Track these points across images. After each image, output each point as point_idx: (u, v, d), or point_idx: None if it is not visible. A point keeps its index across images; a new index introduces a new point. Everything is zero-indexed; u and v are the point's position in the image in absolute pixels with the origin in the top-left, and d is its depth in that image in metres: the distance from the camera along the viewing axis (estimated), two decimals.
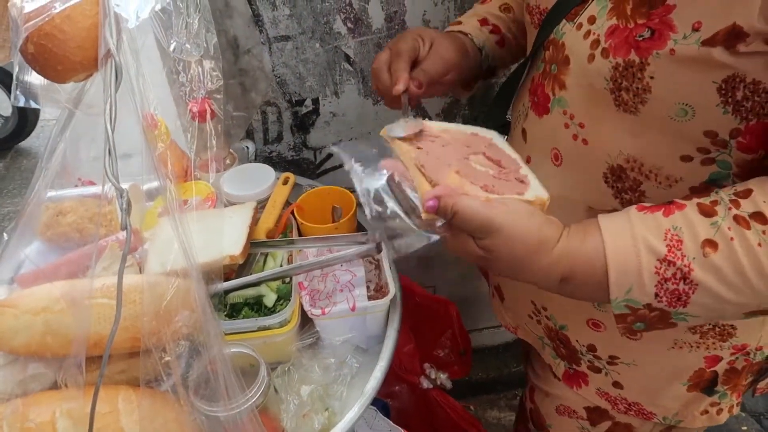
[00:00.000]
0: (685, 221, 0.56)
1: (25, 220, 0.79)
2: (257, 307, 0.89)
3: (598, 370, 0.84)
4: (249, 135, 1.28)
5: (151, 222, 1.01)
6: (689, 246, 0.55)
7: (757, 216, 0.54)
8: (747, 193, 0.55)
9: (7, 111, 2.96)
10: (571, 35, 0.67)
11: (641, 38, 0.57)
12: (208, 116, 0.71)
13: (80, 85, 0.57)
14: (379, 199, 0.64)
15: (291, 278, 0.90)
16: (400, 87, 0.79)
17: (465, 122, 0.92)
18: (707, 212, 0.56)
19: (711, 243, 0.55)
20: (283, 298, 0.90)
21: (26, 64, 0.52)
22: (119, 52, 0.53)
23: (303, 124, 1.28)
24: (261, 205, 1.02)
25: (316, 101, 1.25)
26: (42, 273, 0.92)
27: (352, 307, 0.84)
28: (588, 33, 0.64)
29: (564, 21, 0.69)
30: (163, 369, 0.68)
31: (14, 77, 0.50)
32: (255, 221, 0.97)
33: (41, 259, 0.99)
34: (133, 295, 0.76)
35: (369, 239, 0.92)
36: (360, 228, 1.05)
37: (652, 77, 0.58)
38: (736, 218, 0.54)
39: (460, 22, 0.93)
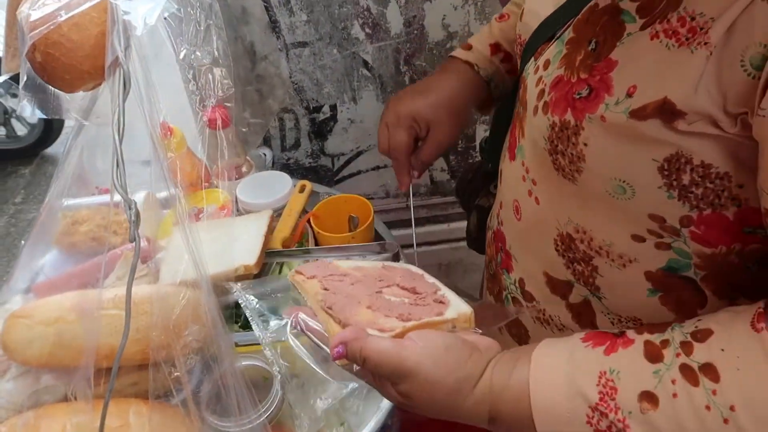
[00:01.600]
0: (625, 364, 0.46)
1: (41, 228, 0.79)
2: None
3: None
4: (266, 142, 1.27)
5: (166, 231, 1.00)
6: (624, 397, 0.45)
7: (708, 369, 0.42)
8: (705, 335, 0.44)
9: (34, 118, 3.00)
10: (530, 78, 0.59)
11: (579, 96, 0.49)
12: (220, 124, 0.70)
13: (89, 94, 0.56)
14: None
15: None
16: (404, 188, 0.87)
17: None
18: (653, 356, 0.45)
19: (650, 397, 0.44)
20: None
21: (34, 73, 0.51)
22: (128, 60, 0.52)
23: (320, 130, 1.27)
24: (277, 214, 1.01)
25: (333, 108, 1.23)
26: (57, 282, 0.91)
27: None
28: (539, 80, 0.57)
29: (532, 59, 0.61)
30: (173, 384, 0.67)
31: (20, 87, 0.49)
32: (271, 230, 0.95)
33: (58, 268, 0.98)
34: (145, 306, 0.74)
35: (386, 248, 0.90)
36: (378, 238, 1.03)
37: (585, 144, 0.50)
38: (683, 369, 0.43)
39: (470, 46, 0.86)
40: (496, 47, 0.85)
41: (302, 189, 1.05)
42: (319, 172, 1.34)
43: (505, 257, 0.73)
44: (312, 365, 0.60)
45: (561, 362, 0.49)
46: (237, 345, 0.82)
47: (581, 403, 0.46)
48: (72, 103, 0.54)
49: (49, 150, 3.10)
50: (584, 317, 0.64)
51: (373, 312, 0.57)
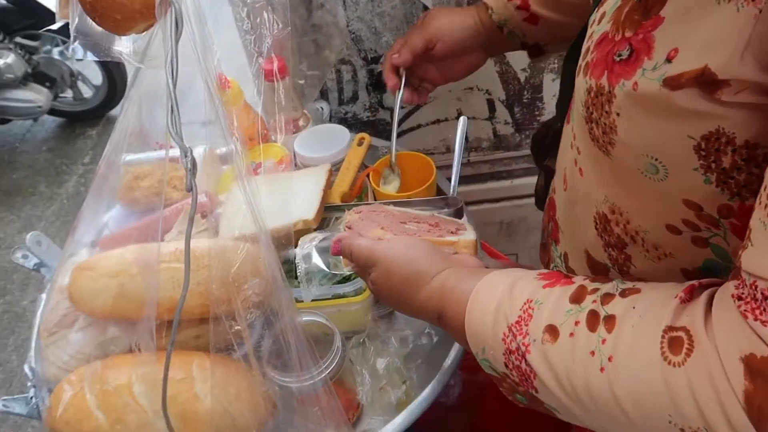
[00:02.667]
0: (549, 298, 0.48)
1: (102, 182, 0.79)
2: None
3: None
4: (323, 95, 1.23)
5: (226, 186, 0.99)
6: (535, 325, 0.47)
7: (609, 319, 0.43)
8: (630, 293, 0.44)
9: (98, 80, 3.08)
10: (590, 30, 0.53)
11: (619, 59, 0.44)
12: (277, 75, 0.67)
13: (142, 36, 0.54)
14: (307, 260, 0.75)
15: None
16: (387, 80, 0.91)
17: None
18: (576, 297, 0.46)
19: (553, 331, 0.45)
20: None
21: (84, 14, 0.49)
22: None
23: (379, 83, 1.22)
24: (335, 168, 0.98)
25: None
26: (121, 237, 0.92)
27: None
28: (590, 36, 0.51)
29: (596, 8, 0.53)
30: (234, 338, 0.66)
31: (72, 29, 0.47)
32: (329, 184, 0.93)
33: (121, 223, 1.00)
34: (206, 259, 0.73)
35: (449, 203, 0.86)
36: (439, 193, 0.99)
37: (618, 114, 0.44)
38: (590, 314, 0.44)
39: None
40: None
41: (360, 142, 1.01)
42: (377, 126, 1.29)
43: (554, 228, 0.69)
44: (320, 264, 0.74)
45: (505, 282, 0.51)
46: (297, 301, 0.81)
47: (503, 320, 0.49)
48: (125, 46, 0.52)
49: (115, 111, 3.18)
50: None
51: (384, 231, 0.66)
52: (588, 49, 0.50)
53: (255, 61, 0.61)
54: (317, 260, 0.74)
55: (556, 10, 0.82)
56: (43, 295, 0.89)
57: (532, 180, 0.91)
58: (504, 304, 0.49)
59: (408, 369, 0.81)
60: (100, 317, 0.76)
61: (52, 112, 3.08)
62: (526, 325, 0.47)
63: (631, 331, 0.41)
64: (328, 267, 0.74)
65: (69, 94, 3.11)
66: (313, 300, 0.81)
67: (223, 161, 1.06)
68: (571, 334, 0.44)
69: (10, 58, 2.75)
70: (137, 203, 1.00)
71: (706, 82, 0.37)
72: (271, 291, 0.63)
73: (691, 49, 0.38)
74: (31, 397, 0.77)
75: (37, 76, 2.88)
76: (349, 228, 0.68)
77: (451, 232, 0.67)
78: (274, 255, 0.65)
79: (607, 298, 0.45)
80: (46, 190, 2.80)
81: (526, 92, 1.24)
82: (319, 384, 0.69)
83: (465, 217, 0.75)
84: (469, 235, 0.66)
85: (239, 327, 0.62)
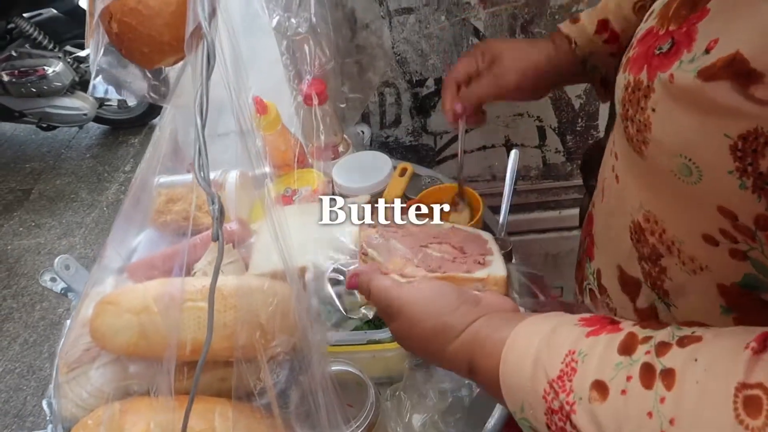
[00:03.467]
0: (594, 348, 0.41)
1: (133, 203, 0.75)
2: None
3: None
4: (365, 119, 1.18)
5: (259, 213, 0.95)
6: (580, 381, 0.40)
7: (667, 374, 0.37)
8: (690, 341, 0.38)
9: None
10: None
11: (659, 52, 0.42)
12: (316, 101, 0.62)
13: (172, 70, 0.49)
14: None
15: None
16: (448, 115, 0.81)
17: None
18: (626, 348, 0.40)
19: (602, 388, 0.39)
20: None
21: (110, 46, 0.45)
22: (212, 30, 0.44)
23: (423, 106, 1.16)
24: (375, 199, 0.93)
25: (438, 81, 1.13)
26: (149, 263, 0.88)
27: None
28: (636, 34, 0.49)
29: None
30: (257, 388, 0.61)
31: (93, 61, 0.43)
32: None
33: (152, 248, 0.96)
34: (234, 300, 0.69)
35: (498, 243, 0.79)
36: (484, 226, 0.92)
37: (653, 109, 0.42)
38: (644, 368, 0.38)
39: (578, 19, 0.79)
40: (603, 25, 0.76)
41: (403, 172, 0.96)
42: (419, 152, 1.24)
43: (590, 243, 0.66)
44: (334, 299, 0.69)
45: (543, 331, 0.45)
46: (330, 345, 0.76)
47: (542, 374, 0.43)
48: (147, 81, 0.47)
49: (157, 120, 3.21)
50: None
51: (405, 261, 0.61)
52: (631, 45, 0.48)
53: (295, 96, 0.56)
54: (330, 292, 0.70)
55: None
56: (67, 323, 0.86)
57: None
58: (543, 355, 0.44)
59: (446, 424, 0.74)
60: (121, 355, 0.72)
61: (97, 119, 3.13)
62: (570, 381, 0.41)
63: (695, 388, 0.35)
64: (341, 301, 0.70)
65: (114, 102, 3.16)
66: (345, 345, 0.76)
67: (257, 186, 1.02)
68: (623, 392, 0.38)
69: (59, 66, 2.81)
70: (168, 227, 0.96)
71: (739, 73, 0.35)
72: (301, 344, 0.57)
73: (729, 39, 0.37)
74: None
75: (84, 84, 2.93)
76: (363, 253, 0.63)
77: (478, 263, 0.61)
78: (305, 299, 0.60)
79: (662, 348, 0.39)
80: (88, 197, 2.83)
81: (580, 120, 1.16)
82: None
83: (491, 243, 0.67)
84: (497, 269, 0.60)
85: (264, 383, 0.57)
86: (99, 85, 0.44)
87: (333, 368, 0.70)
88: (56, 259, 0.90)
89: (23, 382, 2.03)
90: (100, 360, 0.74)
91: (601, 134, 1.18)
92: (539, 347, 0.44)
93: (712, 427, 0.33)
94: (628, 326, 0.43)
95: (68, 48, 2.91)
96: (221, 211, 0.47)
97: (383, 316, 0.58)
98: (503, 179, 1.20)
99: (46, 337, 2.17)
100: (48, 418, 0.75)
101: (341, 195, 0.95)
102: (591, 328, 0.44)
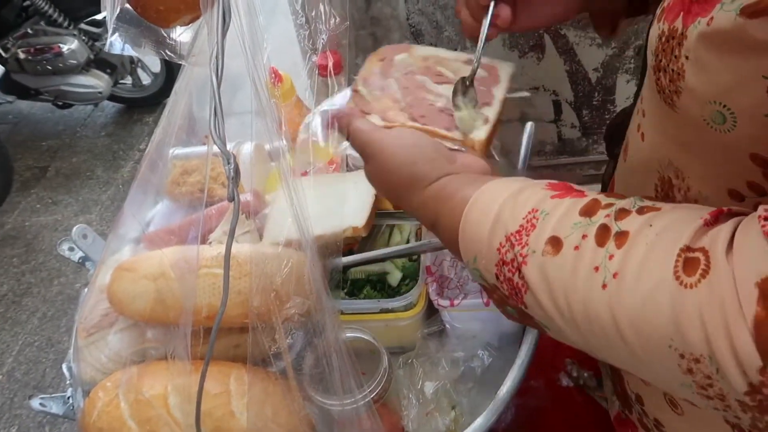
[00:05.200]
0: (557, 209, 0.43)
1: (148, 175, 0.75)
2: (380, 285, 0.81)
3: (646, 428, 0.66)
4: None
5: (274, 185, 0.95)
6: (536, 236, 0.43)
7: (621, 235, 0.39)
8: (650, 210, 0.40)
9: (156, 68, 3.12)
10: None
11: None
12: (331, 70, 0.62)
13: (187, 29, 0.49)
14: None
15: (419, 256, 0.80)
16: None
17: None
18: (587, 210, 0.42)
19: (556, 242, 0.41)
20: (410, 277, 0.80)
21: (127, 4, 0.45)
22: None
23: None
24: None
25: None
26: (165, 233, 0.89)
27: (486, 302, 0.72)
28: None
29: None
30: (273, 353, 0.62)
31: (111, 19, 0.43)
32: None
33: (168, 219, 0.97)
34: (248, 267, 0.69)
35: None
36: None
37: (687, 57, 0.41)
38: (600, 228, 0.40)
39: None
40: None
41: None
42: None
43: None
44: (318, 131, 0.66)
45: (509, 190, 0.47)
46: (342, 313, 0.76)
47: (501, 229, 0.45)
48: (168, 40, 0.47)
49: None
50: None
51: (392, 103, 0.63)
52: None
53: (309, 57, 0.56)
54: (316, 124, 0.67)
55: None
56: (85, 290, 0.87)
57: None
58: (505, 212, 0.45)
59: (458, 393, 0.75)
60: (139, 320, 0.73)
61: (112, 98, 3.14)
62: (527, 236, 0.43)
63: (643, 249, 0.37)
64: (323, 135, 0.66)
65: (128, 80, 3.17)
66: (359, 313, 0.77)
67: (273, 157, 1.02)
68: (576, 248, 0.40)
69: (74, 44, 2.81)
70: (185, 198, 0.97)
71: None
72: (315, 309, 0.58)
73: None
74: (68, 398, 0.75)
75: (99, 62, 2.94)
76: (355, 89, 0.65)
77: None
78: (319, 267, 0.61)
79: (622, 213, 0.40)
80: (103, 175, 2.86)
81: (597, 94, 1.15)
82: (362, 408, 0.64)
83: (503, 82, 0.69)
84: (479, 132, 0.61)
85: (279, 346, 0.58)
86: (116, 42, 0.44)
87: (347, 335, 0.71)
88: (74, 228, 0.91)
89: (42, 355, 2.07)
90: (117, 325, 0.75)
91: (618, 108, 1.17)
92: (503, 204, 0.46)
93: (651, 281, 0.36)
94: (592, 194, 0.45)
95: (83, 26, 2.92)
96: (236, 171, 0.47)
97: (361, 157, 0.60)
98: (518, 154, 1.20)
99: (64, 312, 2.21)
100: (68, 381, 0.76)
101: (355, 167, 0.94)
102: (557, 192, 0.45)
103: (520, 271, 0.43)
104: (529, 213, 0.44)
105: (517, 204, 0.45)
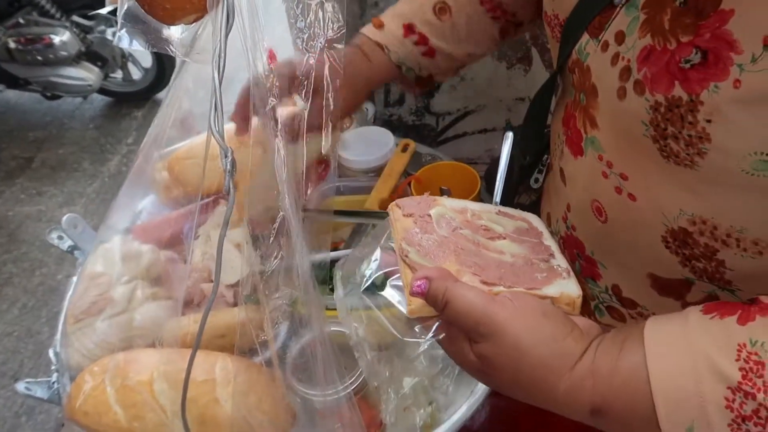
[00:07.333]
0: (764, 334, 0.38)
1: (139, 171, 0.77)
2: None
3: None
4: (369, 96, 1.20)
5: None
6: None
7: None
8: None
9: (147, 63, 3.12)
10: (596, 58, 0.51)
11: (688, 65, 0.41)
12: (327, 71, 0.64)
13: (191, 27, 0.51)
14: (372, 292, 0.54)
15: None
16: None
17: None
18: None
19: None
20: None
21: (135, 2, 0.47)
22: None
23: None
24: (377, 173, 0.95)
25: None
26: (156, 225, 0.91)
27: None
28: (616, 57, 0.48)
29: (587, 36, 0.53)
30: (260, 345, 0.64)
31: (119, 15, 0.45)
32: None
33: (156, 211, 0.99)
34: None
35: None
36: None
37: (708, 120, 0.41)
38: None
39: (382, 24, 0.80)
40: (409, 29, 0.79)
41: (405, 148, 0.98)
42: (421, 132, 1.26)
43: (587, 264, 0.64)
44: (380, 316, 0.55)
45: (683, 339, 0.40)
46: (327, 309, 0.78)
47: (718, 384, 0.38)
48: (173, 36, 0.50)
49: (161, 94, 3.22)
50: None
51: (459, 266, 0.50)
52: (626, 69, 0.46)
53: (306, 61, 0.59)
54: (390, 294, 0.53)
55: (453, 42, 0.80)
56: (74, 278, 0.89)
57: None
58: (706, 366, 0.38)
59: (435, 390, 0.77)
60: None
61: (101, 91, 3.14)
62: (760, 378, 0.37)
63: None
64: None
65: (119, 74, 3.17)
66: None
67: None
68: None
69: (66, 36, 2.81)
70: (177, 204, 0.98)
71: None
72: (301, 299, 0.60)
73: None
74: (54, 382, 0.77)
75: (90, 55, 2.94)
76: (405, 255, 0.50)
77: (541, 270, 0.52)
78: (307, 262, 0.63)
79: None
80: (90, 167, 2.85)
81: None
82: (342, 399, 0.66)
83: (547, 237, 0.58)
84: (569, 286, 0.50)
85: (265, 336, 0.60)
86: (124, 36, 0.46)
87: (331, 329, 0.73)
88: (64, 217, 0.92)
89: (21, 345, 2.06)
90: (106, 312, 0.76)
91: None
92: (695, 358, 0.39)
93: None
94: (755, 302, 0.40)
95: (75, 18, 2.92)
96: (233, 165, 0.49)
97: (455, 341, 0.47)
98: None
99: (45, 302, 2.20)
100: (53, 366, 0.78)
101: (344, 167, 0.97)
102: (734, 315, 0.40)
103: None
104: (739, 352, 0.38)
105: (711, 349, 0.39)
